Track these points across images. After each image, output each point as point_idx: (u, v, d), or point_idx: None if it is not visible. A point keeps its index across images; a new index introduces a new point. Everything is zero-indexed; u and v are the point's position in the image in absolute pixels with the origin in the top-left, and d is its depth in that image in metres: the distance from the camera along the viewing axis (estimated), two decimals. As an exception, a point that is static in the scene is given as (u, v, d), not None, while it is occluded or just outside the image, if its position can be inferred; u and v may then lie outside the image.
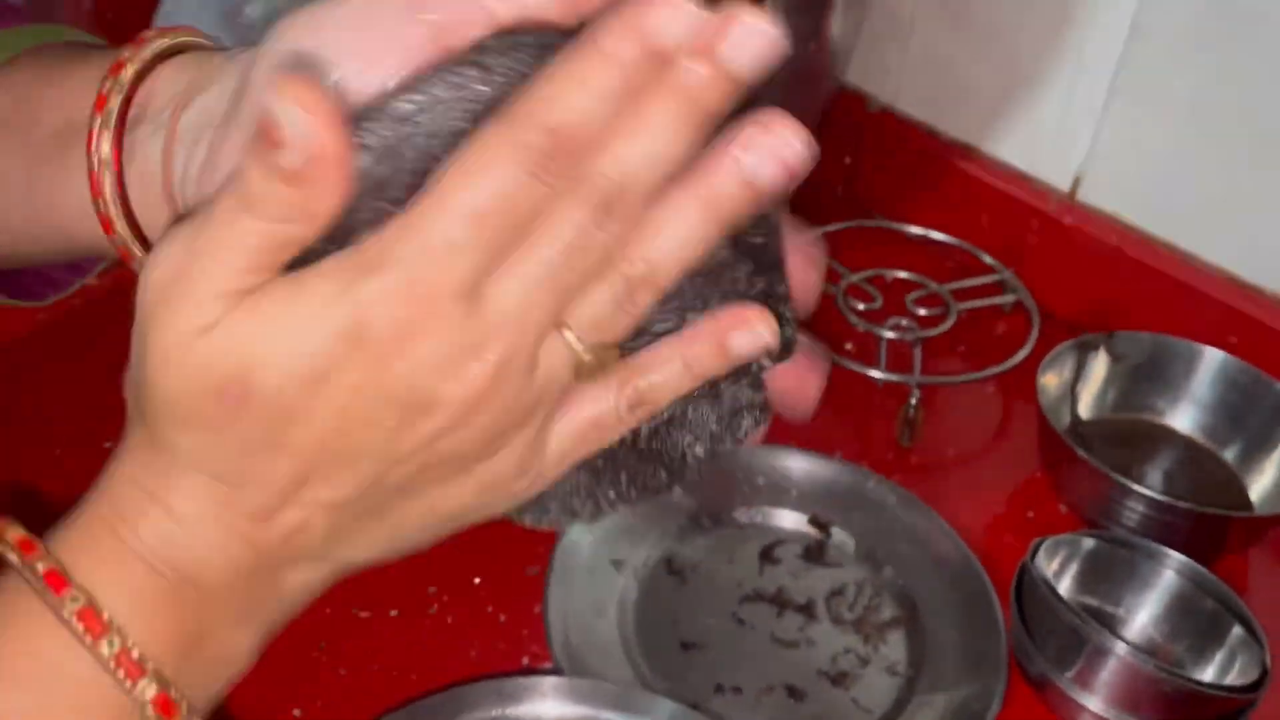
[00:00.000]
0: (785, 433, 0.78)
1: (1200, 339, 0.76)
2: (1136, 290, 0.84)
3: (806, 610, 0.67)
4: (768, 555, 0.70)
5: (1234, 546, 0.68)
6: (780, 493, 0.73)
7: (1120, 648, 0.55)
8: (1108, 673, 0.56)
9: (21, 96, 0.38)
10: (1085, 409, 0.78)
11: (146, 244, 0.36)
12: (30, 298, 0.46)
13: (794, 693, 0.62)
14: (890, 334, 0.83)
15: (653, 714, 0.50)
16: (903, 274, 0.90)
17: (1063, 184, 0.88)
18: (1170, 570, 0.63)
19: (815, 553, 0.71)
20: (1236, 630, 0.59)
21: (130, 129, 0.36)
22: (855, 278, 0.89)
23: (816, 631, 0.66)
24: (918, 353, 0.81)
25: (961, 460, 0.79)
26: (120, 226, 0.36)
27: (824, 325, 0.85)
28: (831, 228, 0.94)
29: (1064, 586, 0.64)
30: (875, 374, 0.80)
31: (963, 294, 0.88)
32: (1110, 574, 0.63)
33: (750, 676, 0.63)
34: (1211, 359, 0.76)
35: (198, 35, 0.38)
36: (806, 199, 0.97)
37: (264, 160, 0.26)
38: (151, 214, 0.36)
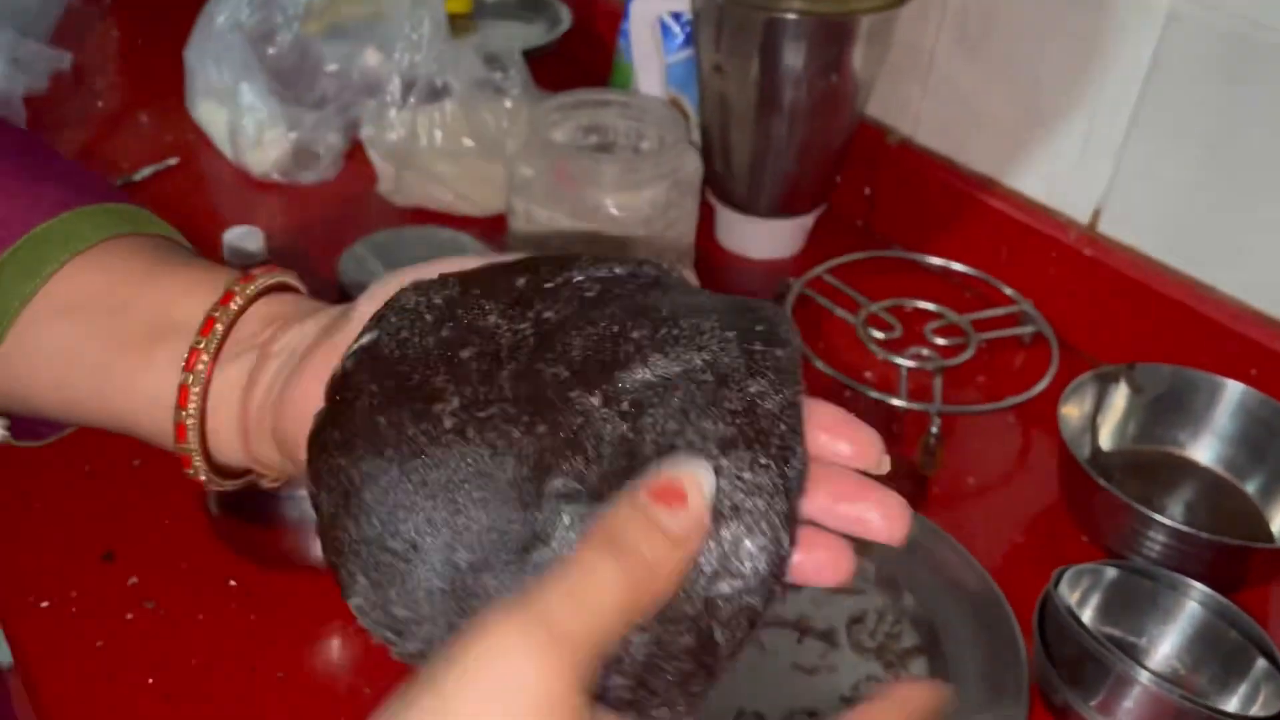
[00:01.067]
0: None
1: (1220, 371, 0.77)
2: (1156, 322, 0.85)
3: (827, 637, 0.67)
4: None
5: (1255, 579, 0.68)
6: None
7: (1144, 676, 0.55)
8: (1131, 702, 0.56)
9: (117, 281, 0.41)
10: (1106, 440, 0.78)
11: (207, 454, 0.40)
12: (28, 436, 0.49)
13: (815, 719, 0.62)
14: (910, 363, 0.83)
15: None
16: (923, 304, 0.91)
17: (1083, 216, 0.88)
18: (1193, 601, 0.63)
19: (836, 580, 0.71)
20: (1260, 663, 0.59)
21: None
22: (875, 307, 0.89)
23: (838, 658, 0.66)
24: (938, 382, 0.82)
25: (982, 489, 0.79)
26: (193, 438, 0.39)
27: (844, 354, 0.86)
28: (851, 258, 0.95)
29: (1086, 616, 0.64)
30: (896, 402, 0.80)
31: (983, 324, 0.89)
32: (1133, 604, 0.63)
33: (772, 702, 0.63)
34: (1232, 391, 0.76)
35: (292, 277, 0.43)
36: (827, 230, 0.99)
37: (653, 515, 0.27)
38: (222, 423, 0.40)
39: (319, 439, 0.33)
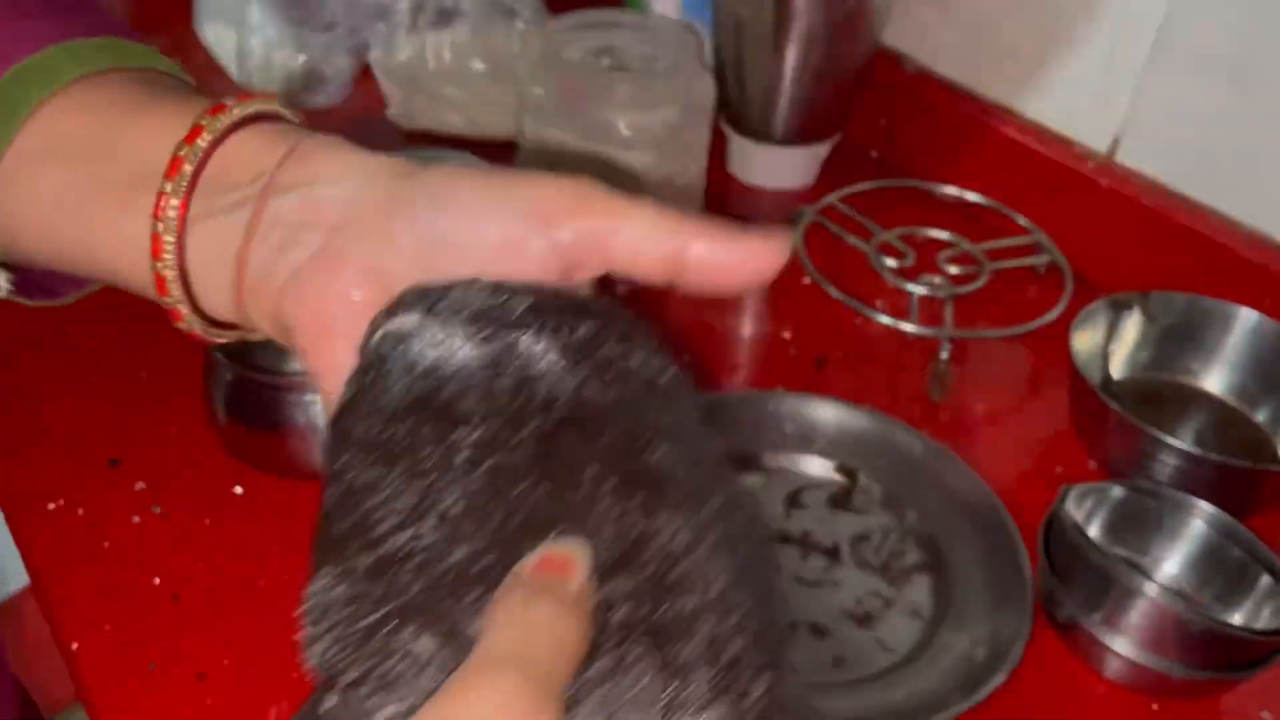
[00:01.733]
0: (814, 383, 0.78)
1: (1236, 301, 0.76)
2: (1173, 253, 0.84)
3: (831, 553, 0.67)
4: (794, 500, 0.71)
5: (1263, 503, 0.68)
6: (807, 440, 0.73)
7: (1150, 589, 0.55)
8: (1137, 615, 0.56)
9: (99, 122, 0.38)
10: (1117, 368, 0.78)
11: (197, 307, 0.37)
12: (44, 295, 0.46)
13: (817, 631, 0.63)
14: (921, 290, 0.82)
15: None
16: (936, 233, 0.90)
17: (1101, 145, 0.87)
18: (1199, 520, 0.63)
19: (842, 499, 0.71)
20: (1265, 580, 0.59)
21: (205, 191, 0.35)
22: (887, 235, 0.89)
23: (841, 574, 0.66)
24: (949, 308, 0.81)
25: (990, 416, 0.78)
26: (175, 290, 0.36)
27: (855, 282, 0.85)
28: (865, 186, 0.94)
29: (1092, 534, 0.64)
30: (906, 327, 0.80)
31: (996, 254, 0.88)
32: (1138, 523, 0.63)
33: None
34: (1246, 320, 0.75)
35: (276, 103, 0.38)
36: (841, 161, 0.97)
37: (543, 581, 0.27)
38: (213, 277, 0.36)
39: (341, 426, 0.32)
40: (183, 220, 0.35)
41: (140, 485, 0.67)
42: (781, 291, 0.87)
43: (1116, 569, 0.56)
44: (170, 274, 0.36)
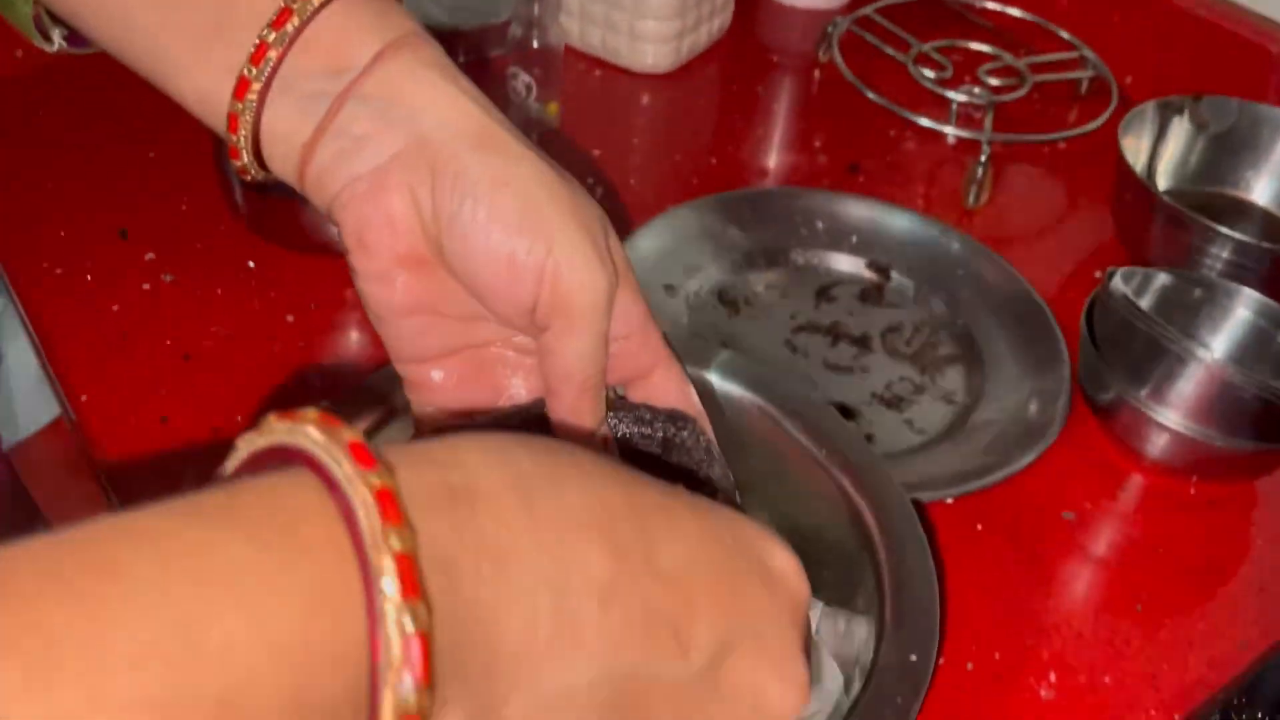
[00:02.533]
0: (846, 184, 0.75)
1: (1291, 109, 0.73)
2: (1223, 69, 0.80)
3: (862, 342, 0.65)
4: (824, 294, 0.68)
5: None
6: (839, 237, 0.71)
7: (1203, 354, 0.53)
8: (1187, 383, 0.54)
9: None
10: (1163, 178, 0.75)
11: (260, 157, 0.38)
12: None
13: (846, 412, 0.61)
14: (961, 98, 0.79)
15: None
16: (976, 45, 0.86)
17: (1154, -47, 0.83)
18: (1245, 309, 0.60)
19: (873, 294, 0.69)
20: (1315, 363, 0.57)
21: (291, 65, 0.36)
22: (926, 47, 0.85)
23: (871, 361, 0.64)
24: (989, 116, 0.78)
25: (1028, 224, 0.76)
26: (245, 132, 0.37)
27: (891, 91, 0.81)
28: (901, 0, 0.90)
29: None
30: (946, 129, 0.77)
31: (1039, 68, 0.84)
32: (1183, 309, 0.61)
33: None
34: (1302, 127, 0.72)
35: None
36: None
37: None
38: (278, 151, 0.37)
39: None
40: (274, 74, 0.36)
41: (150, 256, 0.65)
42: (811, 97, 0.84)
43: (1168, 336, 0.54)
44: (247, 118, 0.36)
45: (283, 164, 0.37)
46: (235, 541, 0.20)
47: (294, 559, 0.20)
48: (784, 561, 0.31)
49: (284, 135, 0.37)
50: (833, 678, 0.41)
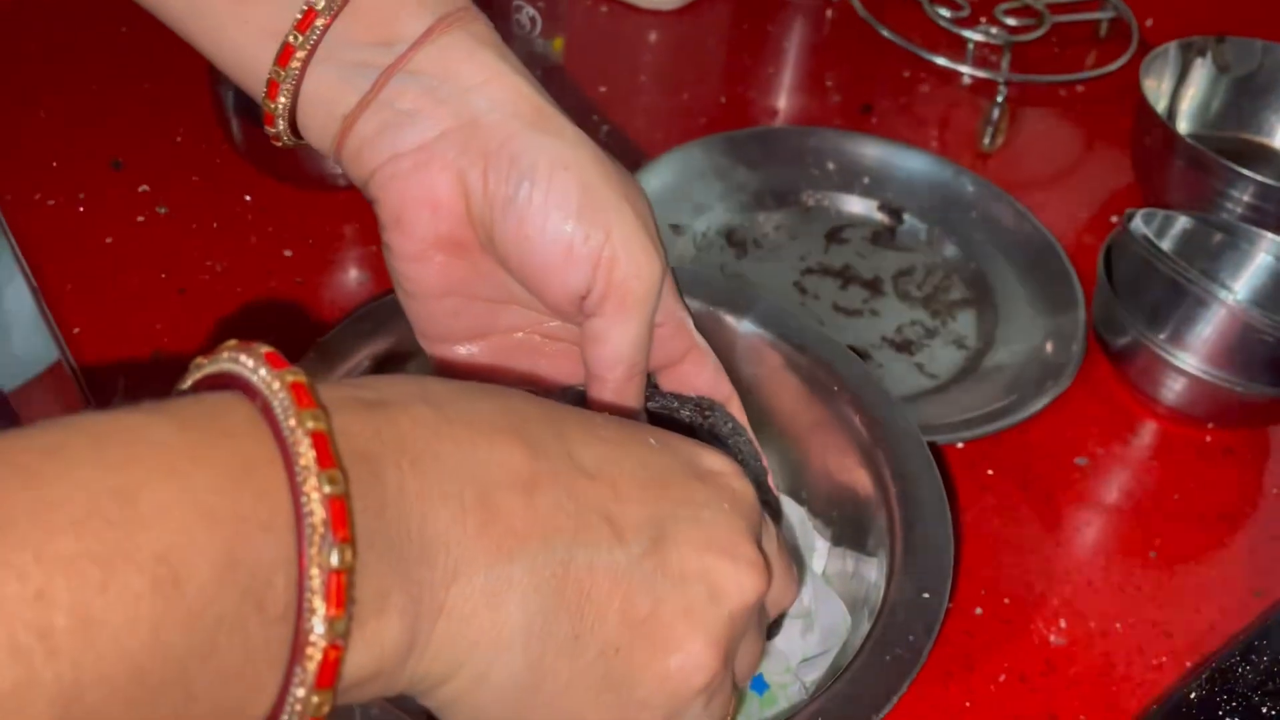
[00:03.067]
0: (859, 125, 0.73)
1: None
2: (1247, 11, 0.78)
3: (872, 285, 0.64)
4: (835, 236, 0.67)
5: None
6: (851, 178, 0.69)
7: (1224, 295, 0.51)
8: (1207, 326, 0.52)
9: None
10: (1184, 121, 0.73)
11: (294, 123, 0.37)
12: None
13: (856, 355, 0.59)
14: (977, 36, 0.77)
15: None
16: (994, -16, 0.84)
17: (1180, -110, 0.80)
18: (1267, 254, 0.59)
19: (885, 237, 0.67)
20: (1338, 309, 0.55)
21: (338, 32, 0.35)
22: (942, -14, 0.82)
23: (882, 304, 0.63)
24: (1006, 56, 0.76)
25: (1045, 168, 0.74)
26: (284, 100, 0.35)
27: (906, 30, 0.79)
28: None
29: (1154, 262, 0.60)
30: (962, 70, 0.75)
31: (1058, 8, 0.82)
32: (1205, 253, 0.59)
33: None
34: (1328, 70, 0.70)
35: None
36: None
37: None
38: (317, 121, 0.36)
39: None
40: (320, 41, 0.34)
41: (144, 188, 0.63)
42: (824, 36, 0.82)
43: (1190, 278, 0.52)
44: (288, 85, 0.35)
45: (320, 134, 0.36)
46: (165, 425, 0.21)
47: (219, 439, 0.22)
48: (720, 464, 0.31)
49: (325, 103, 0.35)
50: (841, 617, 0.41)
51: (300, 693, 0.21)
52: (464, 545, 0.25)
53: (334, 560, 0.21)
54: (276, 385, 0.23)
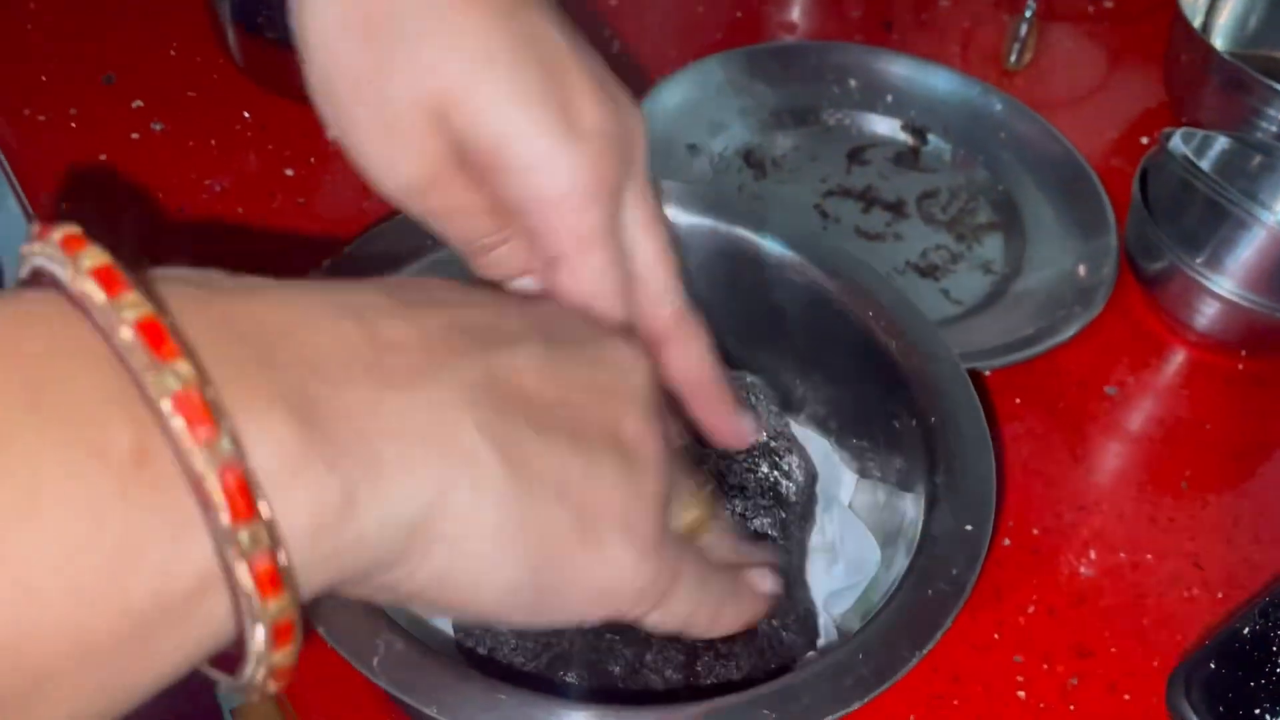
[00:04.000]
0: (880, 42, 0.71)
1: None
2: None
3: (896, 208, 0.61)
4: (856, 156, 0.64)
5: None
6: (873, 96, 0.66)
7: (1266, 217, 0.49)
8: (1247, 249, 0.50)
9: None
10: (1220, 38, 0.70)
11: None
12: None
13: (880, 280, 0.58)
14: (1005, -52, 0.74)
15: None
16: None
17: None
18: (1311, 176, 0.56)
19: (908, 157, 0.65)
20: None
21: None
22: (968, -105, 0.79)
23: (905, 228, 0.61)
24: (1035, -32, 0.72)
25: (1074, 87, 0.71)
26: None
27: (929, -58, 0.76)
28: None
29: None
30: (988, -19, 0.71)
31: (1088, -81, 0.78)
32: (1244, 175, 0.57)
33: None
34: (1373, -17, 0.67)
35: None
36: None
37: None
38: None
39: None
40: None
41: (138, 103, 0.60)
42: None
43: (1231, 198, 0.50)
44: None
45: None
46: None
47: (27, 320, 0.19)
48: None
49: None
50: (870, 549, 0.39)
51: (236, 534, 0.18)
52: (363, 361, 0.21)
53: (157, 379, 0.18)
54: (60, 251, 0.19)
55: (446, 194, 0.29)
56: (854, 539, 0.40)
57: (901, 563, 0.34)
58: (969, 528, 0.33)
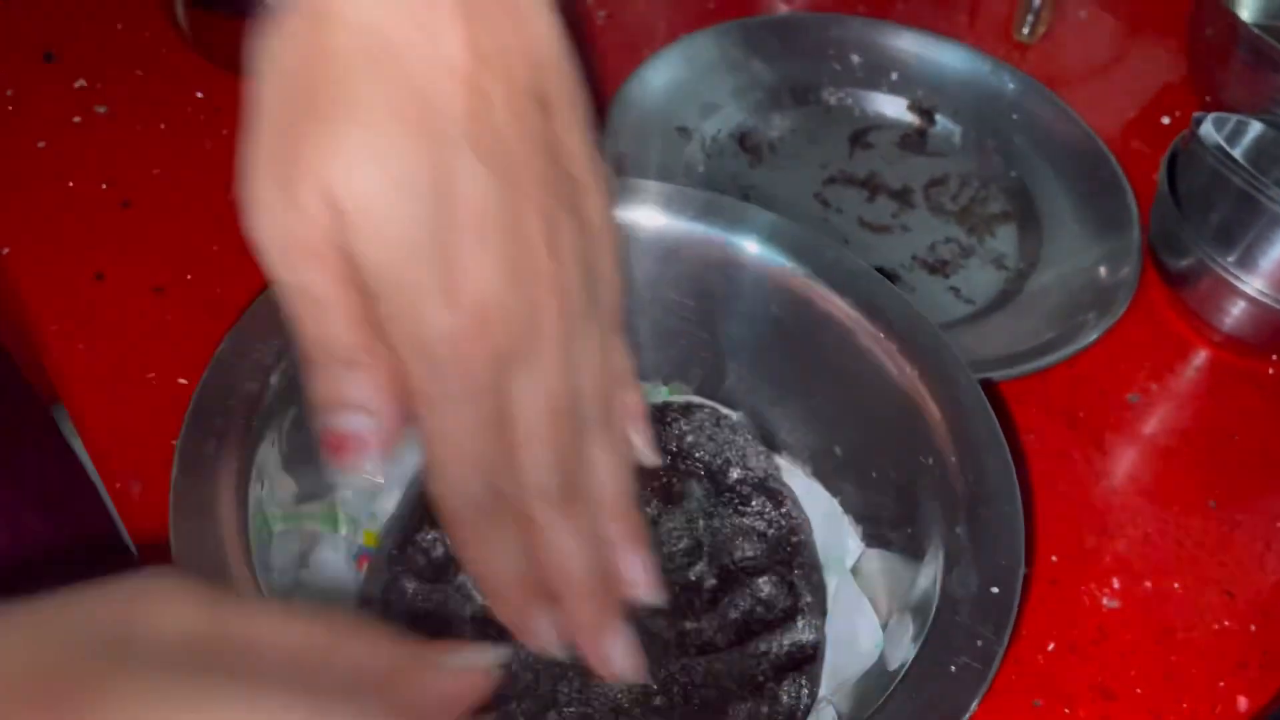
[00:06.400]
0: (883, 13, 0.66)
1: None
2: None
3: (902, 196, 0.57)
4: (859, 140, 0.60)
5: None
6: (877, 74, 0.62)
7: (1308, 215, 0.45)
8: (1282, 249, 0.46)
9: None
10: (1247, 10, 0.65)
11: None
12: None
13: (885, 277, 0.53)
14: (1018, -89, 0.69)
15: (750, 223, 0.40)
16: None
17: None
18: (1349, 164, 0.52)
19: (915, 140, 0.60)
20: None
21: None
22: None
23: (912, 219, 0.56)
24: (1050, -67, 0.68)
25: (1090, 63, 0.67)
26: None
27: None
28: None
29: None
30: (1000, -52, 0.67)
31: (1105, -121, 0.73)
32: (1278, 164, 0.53)
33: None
34: None
35: None
36: None
37: None
38: None
39: None
40: None
41: (81, 83, 0.56)
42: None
43: (1265, 192, 0.46)
44: None
45: None
46: None
47: None
48: None
49: None
50: (868, 634, 0.35)
51: None
52: None
53: None
54: None
55: (321, 275, 0.26)
56: (853, 615, 0.36)
57: (914, 631, 0.30)
58: (995, 590, 0.29)
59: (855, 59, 0.62)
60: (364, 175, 0.24)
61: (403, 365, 0.25)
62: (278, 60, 0.26)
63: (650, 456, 0.30)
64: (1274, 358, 0.51)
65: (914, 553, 0.32)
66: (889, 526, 0.35)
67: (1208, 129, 0.50)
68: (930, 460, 0.33)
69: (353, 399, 0.26)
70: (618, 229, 0.28)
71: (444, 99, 0.24)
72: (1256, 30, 0.57)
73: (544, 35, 0.26)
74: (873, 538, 0.36)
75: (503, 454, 0.26)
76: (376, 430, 0.26)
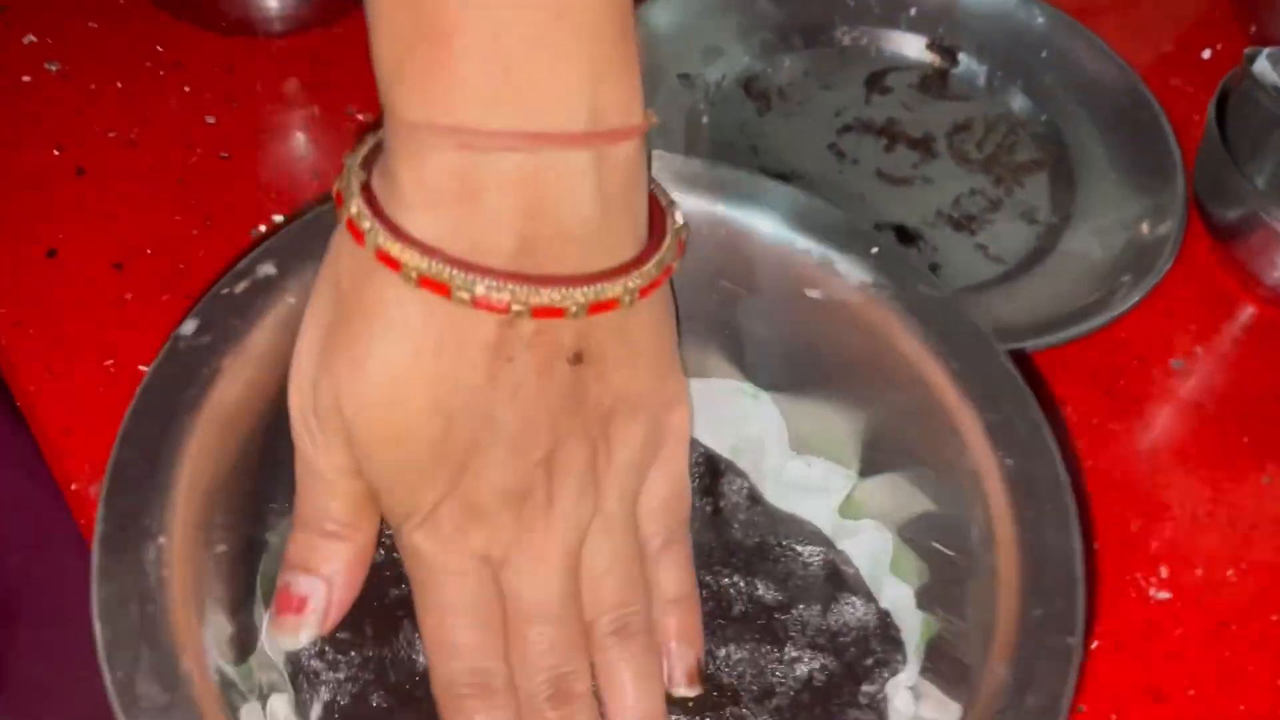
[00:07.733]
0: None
1: None
2: None
3: (923, 145, 0.53)
4: (875, 83, 0.55)
5: None
6: (894, 9, 0.57)
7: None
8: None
9: None
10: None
11: None
12: None
13: (905, 236, 0.49)
14: None
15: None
16: None
17: None
18: None
19: (936, 83, 0.56)
20: None
21: None
22: None
23: (935, 169, 0.52)
24: None
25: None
26: None
27: None
28: None
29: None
30: None
31: None
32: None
33: (852, 212, 0.50)
34: None
35: None
36: None
37: None
38: None
39: None
40: None
41: (30, 38, 0.51)
42: None
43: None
44: None
45: None
46: None
47: None
48: None
49: None
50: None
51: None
52: None
53: None
54: None
55: (328, 460, 0.29)
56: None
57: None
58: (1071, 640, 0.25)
59: (871, -6, 0.57)
60: (369, 397, 0.26)
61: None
62: (339, 267, 0.27)
63: (684, 687, 0.30)
64: (1329, 319, 0.48)
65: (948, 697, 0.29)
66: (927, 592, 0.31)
67: (1263, 65, 0.45)
68: (976, 508, 0.29)
69: (322, 570, 0.29)
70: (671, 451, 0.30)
71: (472, 327, 0.25)
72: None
73: None
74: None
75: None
76: (328, 603, 0.29)
